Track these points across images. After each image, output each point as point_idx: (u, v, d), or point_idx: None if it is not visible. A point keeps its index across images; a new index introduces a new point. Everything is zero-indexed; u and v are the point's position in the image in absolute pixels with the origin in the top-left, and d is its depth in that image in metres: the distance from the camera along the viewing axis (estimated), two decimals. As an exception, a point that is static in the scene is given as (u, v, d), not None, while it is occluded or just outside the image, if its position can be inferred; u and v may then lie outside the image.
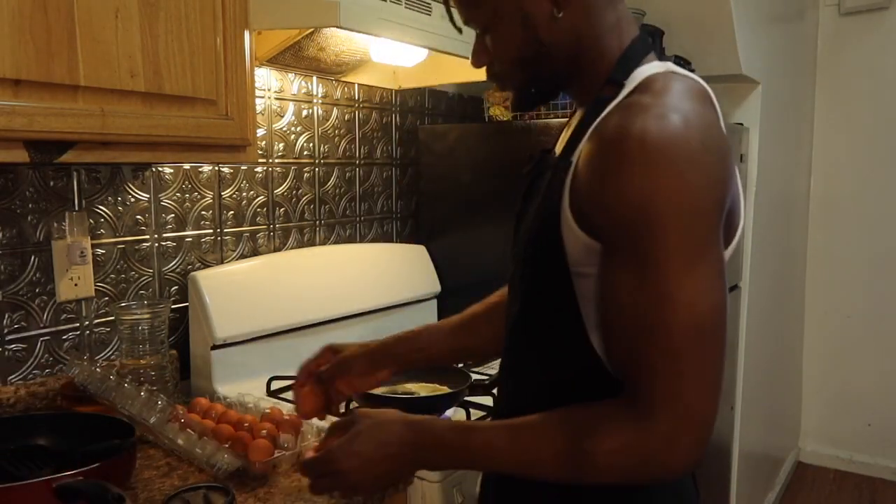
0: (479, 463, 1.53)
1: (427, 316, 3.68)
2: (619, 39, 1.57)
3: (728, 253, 1.47)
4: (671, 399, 1.29)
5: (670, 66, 1.52)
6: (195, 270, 2.78)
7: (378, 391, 2.49)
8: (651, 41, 1.66)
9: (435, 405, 2.44)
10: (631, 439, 1.32)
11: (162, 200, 2.73)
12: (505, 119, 3.77)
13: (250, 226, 3.08)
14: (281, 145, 3.20)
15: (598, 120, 1.46)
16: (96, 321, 2.56)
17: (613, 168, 1.33)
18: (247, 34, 2.21)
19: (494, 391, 2.50)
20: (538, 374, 1.62)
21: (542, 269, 1.53)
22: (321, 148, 3.40)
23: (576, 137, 1.51)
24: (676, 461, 1.30)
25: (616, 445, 1.32)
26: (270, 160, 3.16)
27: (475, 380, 2.59)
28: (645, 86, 1.45)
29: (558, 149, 1.66)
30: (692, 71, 3.82)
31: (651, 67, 1.51)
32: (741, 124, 4.32)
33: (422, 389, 2.59)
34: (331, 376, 2.03)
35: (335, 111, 3.46)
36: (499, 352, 1.82)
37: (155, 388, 2.41)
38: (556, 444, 1.38)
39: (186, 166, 2.80)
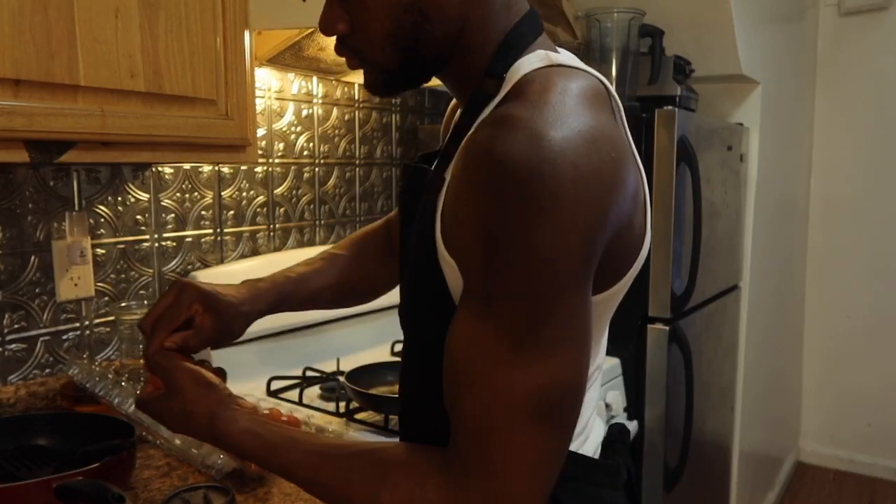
0: (281, 475, 1.39)
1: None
2: (507, 19, 1.35)
3: (630, 277, 1.29)
4: (486, 479, 1.11)
5: (553, 56, 1.31)
6: (195, 270, 2.78)
7: (378, 391, 2.50)
8: (538, 18, 1.39)
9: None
10: None
11: (162, 200, 2.73)
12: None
13: (250, 226, 3.08)
14: (281, 145, 3.20)
15: (473, 127, 1.27)
16: (96, 321, 2.56)
17: (470, 195, 1.13)
18: (247, 34, 2.21)
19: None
20: (430, 408, 1.37)
21: (426, 302, 1.35)
22: (321, 148, 3.40)
23: (452, 146, 1.33)
24: None
25: None
26: (270, 160, 3.16)
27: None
28: (522, 89, 1.23)
29: (437, 158, 1.45)
30: (692, 72, 3.83)
31: (532, 60, 1.30)
32: (741, 124, 4.32)
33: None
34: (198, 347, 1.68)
35: (335, 111, 3.46)
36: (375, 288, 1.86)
37: (155, 388, 2.42)
38: (352, 488, 1.24)
39: (186, 166, 2.80)
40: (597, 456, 1.51)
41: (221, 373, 1.61)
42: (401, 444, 1.29)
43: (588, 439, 1.48)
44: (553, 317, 1.09)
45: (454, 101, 1.79)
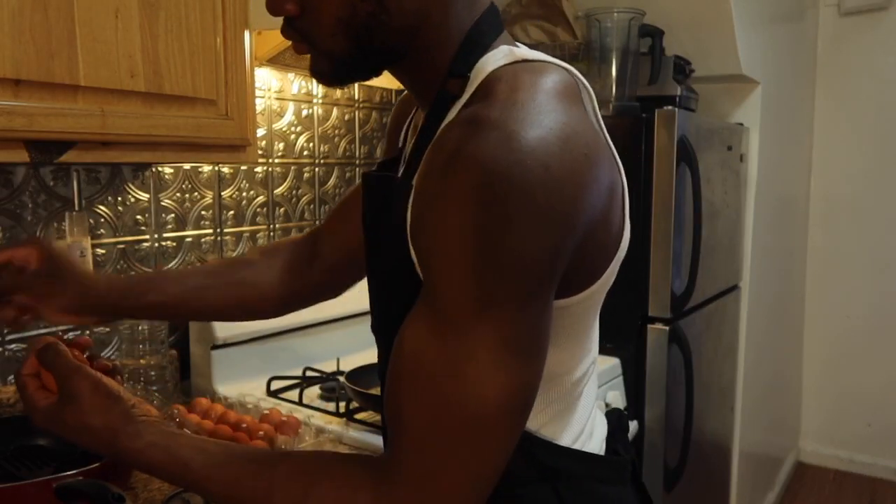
0: (196, 492, 1.33)
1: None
2: (469, 14, 1.29)
3: (610, 274, 1.26)
4: (423, 489, 1.07)
5: (517, 52, 1.26)
6: (195, 270, 2.79)
7: (378, 392, 2.49)
8: (497, 12, 1.34)
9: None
10: None
11: (162, 200, 2.73)
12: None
13: (250, 226, 3.08)
14: (281, 145, 3.20)
15: (439, 130, 1.23)
16: (96, 321, 2.56)
17: (437, 197, 1.08)
18: (247, 34, 2.21)
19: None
20: None
21: (405, 315, 1.19)
22: (321, 148, 3.40)
23: (417, 152, 1.28)
24: None
25: None
26: (270, 160, 3.16)
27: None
28: (490, 88, 1.19)
29: (402, 165, 1.45)
30: (692, 72, 3.83)
31: (497, 57, 1.25)
32: (741, 124, 4.32)
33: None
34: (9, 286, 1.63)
35: (335, 111, 3.46)
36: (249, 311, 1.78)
37: (155, 388, 2.42)
38: (273, 502, 1.16)
39: (186, 166, 2.80)
40: (602, 450, 1.50)
41: (116, 370, 1.51)
42: (332, 452, 1.24)
43: (592, 436, 1.46)
44: (514, 323, 1.06)
45: (402, 98, 1.73)
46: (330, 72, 1.33)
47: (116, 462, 1.40)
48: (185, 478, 1.25)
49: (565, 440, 1.37)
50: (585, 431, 1.44)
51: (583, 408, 1.42)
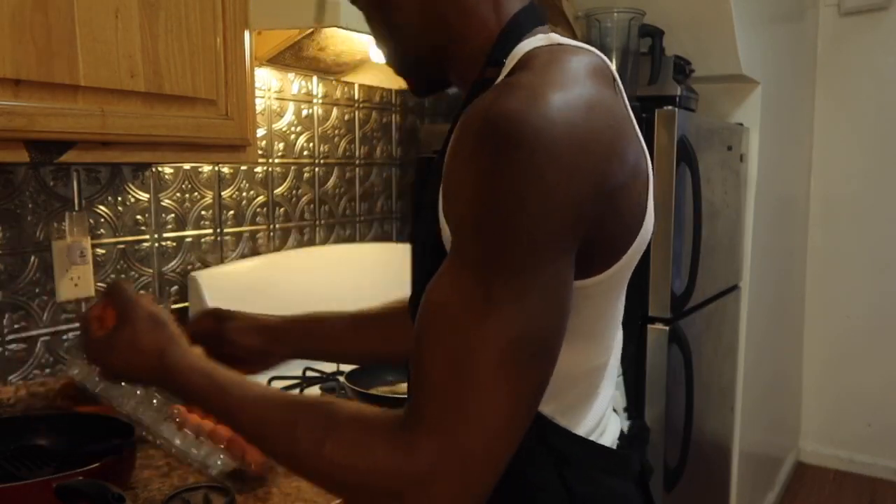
0: (226, 420, 1.35)
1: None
2: (496, 14, 1.35)
3: (630, 259, 1.26)
4: (441, 434, 1.07)
5: (555, 37, 1.31)
6: (195, 270, 2.79)
7: (378, 391, 2.50)
8: (539, 12, 1.39)
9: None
10: (379, 465, 1.11)
11: (162, 200, 2.73)
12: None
13: (250, 225, 3.08)
14: (281, 145, 3.20)
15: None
16: (96, 321, 2.55)
17: (459, 148, 1.14)
18: (247, 34, 2.21)
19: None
20: None
21: None
22: (321, 148, 3.40)
23: (453, 127, 1.28)
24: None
25: (361, 465, 1.12)
26: (270, 160, 3.16)
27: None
28: (523, 63, 1.23)
29: None
30: (692, 72, 3.83)
31: (534, 41, 1.29)
32: (741, 124, 4.32)
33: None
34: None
35: (335, 111, 3.46)
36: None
37: (155, 388, 2.41)
38: (297, 435, 1.19)
39: (186, 166, 2.80)
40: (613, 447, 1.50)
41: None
42: (358, 403, 1.25)
43: (604, 434, 1.46)
44: (533, 272, 1.07)
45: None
46: (412, 89, 1.54)
47: (161, 385, 1.42)
48: (219, 404, 1.32)
49: (580, 431, 1.37)
50: (598, 429, 1.44)
51: (600, 402, 1.43)
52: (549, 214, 1.06)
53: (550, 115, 1.07)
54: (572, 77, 1.17)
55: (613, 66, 1.32)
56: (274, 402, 1.27)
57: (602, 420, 1.46)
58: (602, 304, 1.29)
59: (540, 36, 1.31)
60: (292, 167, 3.26)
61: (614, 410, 1.56)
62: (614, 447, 1.50)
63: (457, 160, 1.14)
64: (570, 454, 1.35)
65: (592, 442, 1.40)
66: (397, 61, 1.47)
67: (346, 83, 3.50)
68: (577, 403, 1.37)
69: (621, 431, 1.57)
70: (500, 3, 1.35)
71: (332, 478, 1.18)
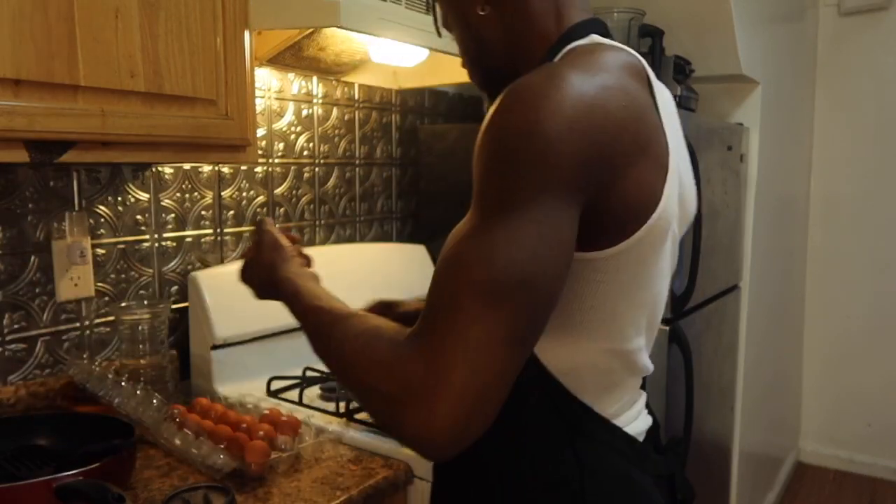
0: (300, 319, 1.56)
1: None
2: (557, 25, 1.52)
3: (642, 239, 1.33)
4: (433, 356, 1.14)
5: (597, 38, 1.49)
6: (195, 270, 2.79)
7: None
8: (601, 24, 1.58)
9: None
10: (381, 371, 1.21)
11: (162, 200, 2.73)
12: (505, 119, 3.77)
13: (250, 226, 3.08)
14: (281, 145, 3.20)
15: None
16: (96, 321, 2.56)
17: (489, 118, 1.27)
18: (247, 34, 2.22)
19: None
20: None
21: None
22: (321, 148, 3.40)
23: None
24: (419, 428, 1.14)
25: (374, 375, 1.22)
26: (270, 160, 3.16)
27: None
28: (565, 56, 1.42)
29: None
30: (692, 72, 3.83)
31: (580, 42, 1.47)
32: (741, 124, 4.32)
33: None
34: None
35: (335, 111, 3.46)
36: None
37: (155, 388, 2.42)
38: (332, 335, 1.36)
39: (186, 166, 2.80)
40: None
41: (298, 241, 1.93)
42: (383, 318, 1.36)
43: (627, 426, 1.54)
44: (525, 209, 1.17)
45: None
46: (489, 99, 1.58)
47: (273, 294, 1.75)
48: (301, 306, 1.56)
49: (605, 413, 1.48)
50: (623, 417, 1.54)
51: (623, 392, 1.54)
52: (546, 159, 1.18)
53: (562, 84, 1.23)
54: (597, 64, 1.33)
55: (645, 64, 1.47)
56: (332, 313, 1.43)
57: (625, 410, 1.56)
58: (614, 285, 1.36)
59: (591, 36, 1.49)
60: (292, 167, 3.26)
61: (648, 412, 1.69)
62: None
63: (481, 130, 1.27)
64: (584, 428, 1.45)
65: (611, 423, 1.49)
66: (481, 76, 1.65)
67: (346, 83, 3.50)
68: (597, 387, 1.47)
69: (655, 436, 1.70)
70: (561, 16, 1.52)
71: (348, 375, 1.30)
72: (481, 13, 1.53)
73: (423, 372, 1.14)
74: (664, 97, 1.49)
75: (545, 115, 1.19)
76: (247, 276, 1.89)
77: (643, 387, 1.69)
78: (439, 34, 1.79)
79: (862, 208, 5.84)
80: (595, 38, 1.48)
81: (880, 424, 5.96)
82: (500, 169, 1.21)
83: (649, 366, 1.58)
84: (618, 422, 1.51)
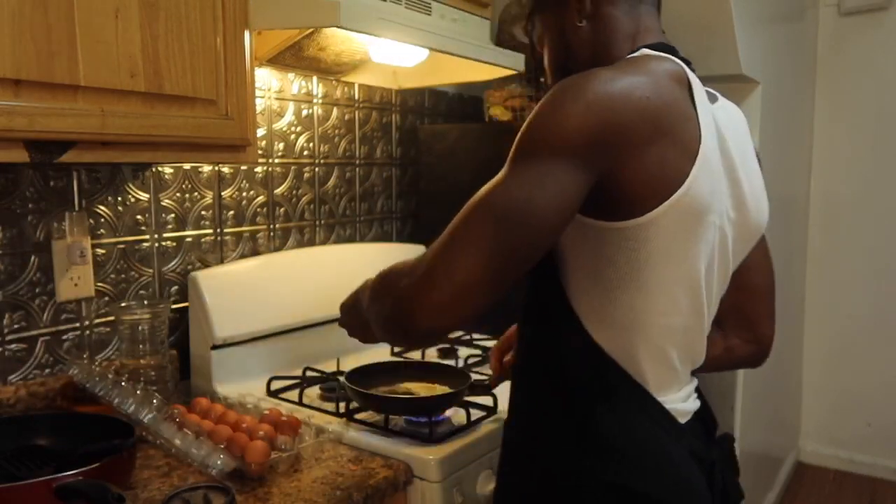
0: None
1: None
2: (632, 44, 1.76)
3: (668, 212, 1.53)
4: (434, 255, 1.45)
5: (646, 50, 1.72)
6: (195, 270, 2.79)
7: (378, 391, 2.50)
8: (670, 48, 1.78)
9: (434, 405, 2.44)
10: (397, 276, 1.54)
11: (162, 200, 2.73)
12: (505, 119, 3.77)
13: (250, 226, 3.08)
14: (281, 145, 3.21)
15: None
16: (96, 321, 2.56)
17: None
18: (247, 34, 2.22)
19: (494, 391, 2.51)
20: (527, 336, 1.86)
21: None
22: (321, 148, 3.40)
23: None
24: (413, 314, 1.44)
25: (388, 276, 1.61)
26: (270, 160, 3.16)
27: (475, 380, 2.58)
28: (617, 63, 1.67)
29: None
30: (692, 71, 3.83)
31: (634, 55, 1.71)
32: (741, 124, 4.32)
33: (421, 389, 2.59)
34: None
35: (335, 111, 3.46)
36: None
37: (155, 388, 2.42)
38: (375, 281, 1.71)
39: (186, 166, 2.80)
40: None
41: None
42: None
43: (670, 405, 1.73)
44: (537, 163, 1.46)
45: None
46: None
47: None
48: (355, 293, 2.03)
49: (651, 389, 1.70)
50: (664, 392, 1.74)
51: (664, 368, 1.71)
52: (561, 131, 1.46)
53: (592, 78, 1.51)
54: (633, 67, 1.59)
55: (692, 75, 1.70)
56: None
57: (665, 386, 1.74)
58: (643, 253, 1.56)
59: (639, 52, 1.71)
60: (292, 167, 3.27)
61: (698, 396, 1.89)
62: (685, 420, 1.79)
63: None
64: (622, 390, 1.67)
65: (652, 395, 1.70)
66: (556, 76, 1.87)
67: (346, 83, 3.51)
68: (636, 354, 1.67)
69: (705, 420, 1.92)
70: (637, 37, 1.77)
71: (371, 298, 1.66)
72: (578, 25, 1.78)
73: (422, 277, 1.44)
74: (704, 99, 1.69)
75: (570, 99, 1.47)
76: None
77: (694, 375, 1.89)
78: (534, 49, 1.96)
79: (862, 208, 5.84)
80: (645, 50, 1.71)
81: (880, 424, 5.96)
82: (526, 137, 1.50)
83: (698, 355, 1.81)
84: (661, 398, 1.71)
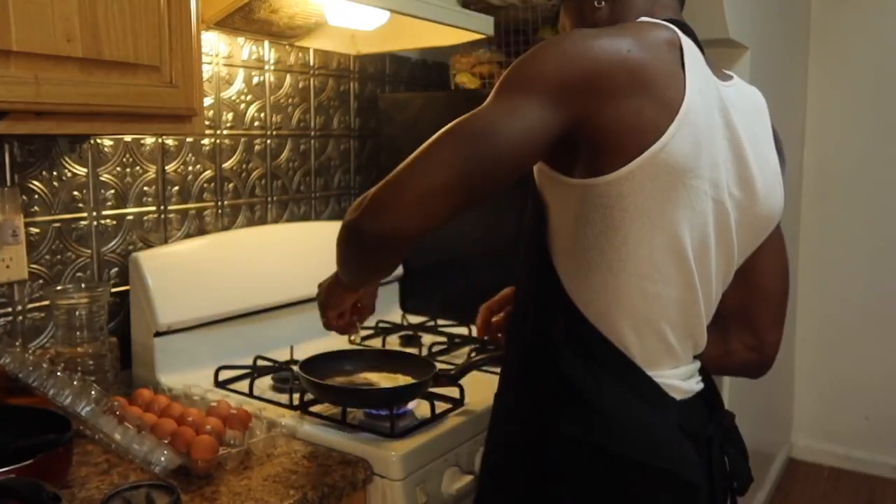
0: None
1: (389, 300, 3.70)
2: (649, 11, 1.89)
3: (645, 166, 1.64)
4: (402, 166, 1.66)
5: (645, 18, 1.84)
6: (137, 251, 2.79)
7: (335, 382, 2.51)
8: (682, 24, 1.85)
9: (396, 397, 2.45)
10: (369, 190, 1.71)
11: (101, 175, 2.73)
12: (473, 87, 3.78)
13: (196, 202, 3.08)
14: (229, 115, 3.21)
15: None
16: (30, 306, 2.56)
17: None
18: (193, -5, 2.22)
19: (461, 382, 2.52)
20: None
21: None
22: (273, 118, 3.41)
23: None
24: (376, 213, 1.66)
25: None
26: (218, 131, 3.17)
27: (440, 370, 2.59)
28: None
29: None
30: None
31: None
32: (729, 93, 4.34)
33: (382, 380, 2.60)
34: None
35: (288, 78, 3.47)
36: None
37: (93, 378, 2.42)
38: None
39: (127, 138, 2.80)
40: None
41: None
42: None
43: (661, 378, 1.82)
44: (511, 98, 1.65)
45: None
46: None
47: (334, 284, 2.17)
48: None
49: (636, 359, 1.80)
50: (655, 366, 1.82)
51: (654, 342, 1.80)
52: (536, 73, 1.65)
53: (575, 32, 1.72)
54: (623, 29, 1.73)
55: (687, 42, 1.77)
56: None
57: (657, 360, 1.82)
58: (618, 210, 1.67)
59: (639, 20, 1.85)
60: (242, 139, 3.27)
61: (703, 379, 1.97)
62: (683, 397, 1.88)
63: None
64: (596, 352, 1.78)
65: (632, 363, 1.79)
66: None
67: (301, 48, 3.51)
68: (617, 320, 1.76)
69: (709, 400, 2.00)
70: (652, 14, 1.85)
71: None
72: (597, 6, 1.93)
73: (397, 171, 1.65)
74: (724, 85, 1.93)
75: (550, 47, 1.67)
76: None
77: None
78: None
79: (858, 183, 5.87)
80: (644, 18, 1.82)
81: (879, 417, 6.00)
82: (505, 78, 1.69)
83: (699, 336, 1.89)
84: (651, 371, 1.79)
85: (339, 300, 2.18)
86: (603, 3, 1.93)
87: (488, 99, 1.68)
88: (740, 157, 1.82)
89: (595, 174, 1.66)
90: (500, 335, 2.32)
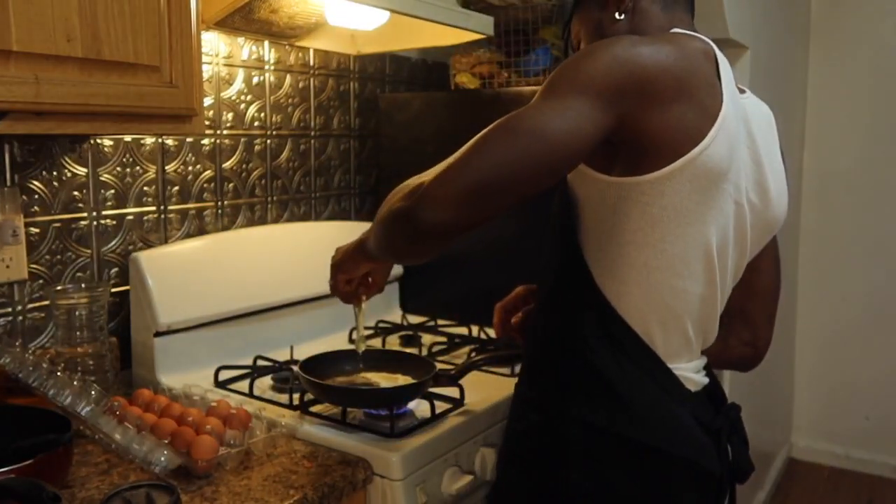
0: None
1: (389, 300, 3.70)
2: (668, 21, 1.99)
3: (683, 168, 1.72)
4: (452, 159, 1.67)
5: (677, 29, 1.92)
6: (137, 251, 2.79)
7: (335, 382, 2.51)
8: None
9: (396, 397, 2.46)
10: (416, 179, 1.76)
11: (101, 175, 2.73)
12: (473, 87, 3.78)
13: (196, 202, 3.09)
14: (229, 115, 3.21)
15: None
16: (30, 306, 2.56)
17: None
18: (193, -5, 2.22)
19: (461, 382, 2.53)
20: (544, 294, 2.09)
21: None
22: (273, 118, 3.41)
23: None
24: (424, 205, 1.63)
25: (409, 182, 1.80)
26: (218, 131, 3.17)
27: (440, 370, 2.58)
28: None
29: None
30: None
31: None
32: (729, 93, 4.33)
33: (383, 380, 2.60)
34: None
35: (288, 78, 3.47)
36: None
37: (93, 378, 2.42)
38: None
39: (127, 138, 2.80)
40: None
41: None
42: None
43: (679, 372, 1.93)
44: (562, 98, 1.66)
45: None
46: None
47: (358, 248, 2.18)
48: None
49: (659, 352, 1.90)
50: (675, 360, 1.93)
51: (676, 338, 1.91)
52: (587, 76, 1.67)
53: (623, 38, 1.76)
54: (665, 38, 1.81)
55: (718, 53, 1.88)
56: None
57: (677, 354, 1.93)
58: (657, 208, 1.75)
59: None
60: (242, 139, 3.27)
61: (706, 374, 2.07)
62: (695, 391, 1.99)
63: None
64: (626, 345, 1.87)
65: (650, 349, 1.89)
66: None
67: (301, 48, 3.51)
68: (647, 315, 1.87)
69: (714, 396, 2.12)
70: (671, 29, 1.94)
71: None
72: (617, 18, 1.99)
73: (446, 164, 1.66)
74: (729, 77, 1.89)
75: (600, 51, 1.70)
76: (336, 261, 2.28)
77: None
78: (566, 54, 2.12)
79: (859, 183, 5.87)
80: (677, 29, 1.92)
81: (879, 417, 5.99)
82: (554, 77, 1.71)
83: (710, 333, 2.01)
84: (671, 364, 1.90)
85: (354, 266, 2.22)
86: (623, 15, 1.99)
87: (536, 98, 1.70)
88: (758, 163, 1.94)
89: (636, 173, 1.74)
90: (515, 334, 2.37)
